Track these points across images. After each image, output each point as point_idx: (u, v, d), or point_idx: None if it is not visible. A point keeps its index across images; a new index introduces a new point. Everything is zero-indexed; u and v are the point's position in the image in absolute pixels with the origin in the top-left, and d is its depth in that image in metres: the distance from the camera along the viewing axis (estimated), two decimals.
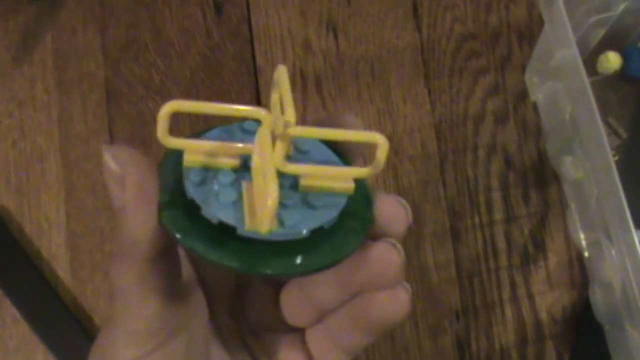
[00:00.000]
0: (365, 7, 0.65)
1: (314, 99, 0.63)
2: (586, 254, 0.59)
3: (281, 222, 0.22)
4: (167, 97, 0.63)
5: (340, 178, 0.24)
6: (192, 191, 0.22)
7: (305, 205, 0.23)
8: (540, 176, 0.61)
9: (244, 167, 0.24)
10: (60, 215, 0.61)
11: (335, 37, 0.64)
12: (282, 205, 0.22)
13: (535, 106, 0.63)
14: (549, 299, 0.59)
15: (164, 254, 0.22)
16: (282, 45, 0.64)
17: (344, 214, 0.24)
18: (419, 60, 0.64)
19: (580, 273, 0.59)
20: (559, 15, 0.46)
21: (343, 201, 0.24)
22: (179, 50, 0.64)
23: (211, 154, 0.23)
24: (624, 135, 0.59)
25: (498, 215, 0.61)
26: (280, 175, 0.22)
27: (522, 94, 0.63)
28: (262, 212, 0.21)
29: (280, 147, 0.22)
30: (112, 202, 0.21)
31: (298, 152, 0.25)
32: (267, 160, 0.22)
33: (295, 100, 0.63)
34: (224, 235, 0.22)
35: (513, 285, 0.59)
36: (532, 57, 0.61)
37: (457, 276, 0.60)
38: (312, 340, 0.26)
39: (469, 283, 0.59)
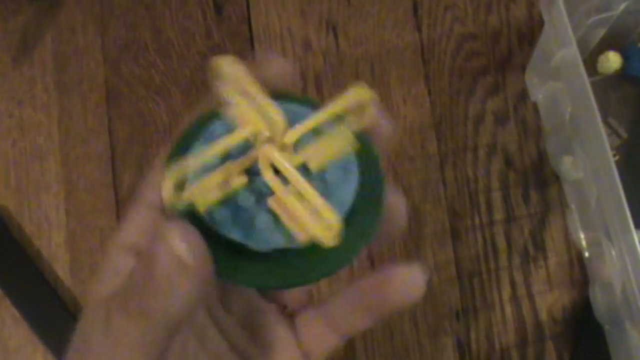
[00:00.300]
0: (365, 7, 0.65)
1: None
2: (586, 254, 0.59)
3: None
4: (167, 97, 0.63)
5: (340, 141, 0.23)
6: (234, 234, 0.21)
7: (326, 189, 0.23)
8: (540, 176, 0.61)
9: (250, 175, 0.23)
10: (60, 215, 0.61)
11: (335, 37, 0.64)
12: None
13: (535, 106, 0.63)
14: (549, 299, 0.59)
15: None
16: (282, 45, 0.64)
17: (359, 194, 0.23)
18: (419, 60, 0.64)
19: (580, 273, 0.59)
20: (559, 15, 0.46)
21: (354, 170, 0.23)
22: (179, 50, 0.64)
23: (219, 185, 0.22)
24: (624, 135, 0.59)
25: (498, 215, 0.61)
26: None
27: (522, 94, 0.63)
28: (327, 230, 0.21)
29: (288, 158, 0.22)
30: (159, 272, 0.20)
31: None
32: (294, 175, 0.21)
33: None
34: (250, 255, 0.22)
35: (513, 285, 0.59)
36: (532, 57, 0.61)
37: (457, 276, 0.60)
38: (303, 325, 0.26)
39: (469, 283, 0.59)
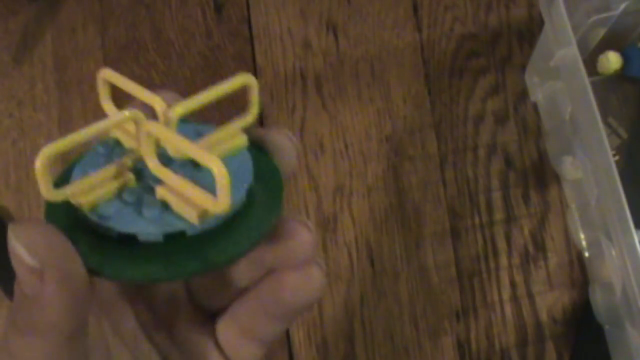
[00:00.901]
0: (365, 7, 0.65)
1: (314, 99, 0.63)
2: (586, 254, 0.59)
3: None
4: None
5: (231, 133, 0.24)
6: (121, 226, 0.21)
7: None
8: (540, 176, 0.61)
9: (138, 180, 0.23)
10: None
11: (335, 37, 0.64)
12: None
13: (535, 106, 0.63)
14: (549, 299, 0.59)
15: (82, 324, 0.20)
16: (282, 45, 0.64)
17: (255, 180, 0.23)
18: (419, 60, 0.64)
19: (580, 273, 0.59)
20: (559, 15, 0.46)
21: (248, 161, 0.23)
22: (179, 50, 0.64)
23: (100, 184, 0.22)
24: (624, 135, 0.59)
25: (498, 215, 0.61)
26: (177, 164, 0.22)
27: (522, 94, 0.63)
28: (220, 190, 0.20)
29: (173, 134, 0.22)
30: (21, 286, 0.19)
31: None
32: (185, 146, 0.21)
33: (292, 100, 0.63)
34: (133, 249, 0.21)
35: (513, 285, 0.59)
36: (532, 57, 0.61)
37: (457, 276, 0.60)
38: (221, 331, 0.25)
39: (469, 283, 0.59)
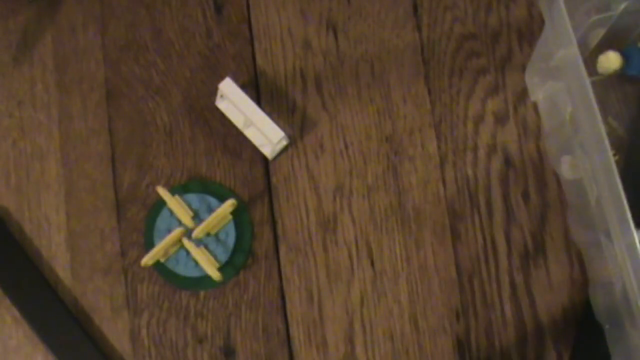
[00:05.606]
0: (365, 7, 0.65)
1: (314, 98, 0.63)
2: (586, 254, 0.59)
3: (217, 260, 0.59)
4: (167, 97, 0.63)
5: (223, 218, 0.59)
6: (177, 270, 0.59)
7: (220, 243, 0.59)
8: (540, 176, 0.61)
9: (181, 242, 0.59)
10: (60, 215, 0.61)
11: (335, 37, 0.64)
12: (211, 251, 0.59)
13: (535, 106, 0.63)
14: (549, 299, 0.59)
15: None
16: (282, 45, 0.64)
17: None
18: (419, 60, 0.64)
19: (580, 273, 0.59)
20: (559, 15, 0.46)
21: (233, 232, 0.59)
22: (179, 50, 0.64)
23: (169, 247, 0.58)
24: (624, 135, 0.59)
25: (498, 215, 0.61)
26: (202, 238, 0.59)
27: (522, 94, 0.63)
28: (214, 272, 0.57)
29: (192, 243, 0.58)
30: None
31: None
32: (196, 251, 0.58)
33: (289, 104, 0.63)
34: (175, 275, 0.60)
35: (513, 285, 0.59)
36: (532, 57, 0.61)
37: (457, 276, 0.60)
38: None
39: (469, 283, 0.59)
